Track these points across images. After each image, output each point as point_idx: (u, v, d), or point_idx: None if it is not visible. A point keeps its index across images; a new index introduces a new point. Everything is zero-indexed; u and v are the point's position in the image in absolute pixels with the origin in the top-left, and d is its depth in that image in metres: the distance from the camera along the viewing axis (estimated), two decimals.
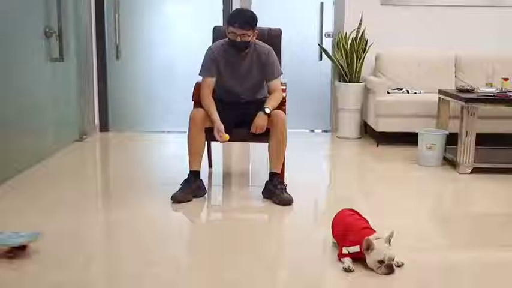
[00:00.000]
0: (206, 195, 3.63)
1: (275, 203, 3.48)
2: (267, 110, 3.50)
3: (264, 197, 3.59)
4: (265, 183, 3.60)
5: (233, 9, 5.70)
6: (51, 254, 2.66)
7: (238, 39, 3.46)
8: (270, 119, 3.51)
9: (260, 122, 3.50)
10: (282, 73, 3.70)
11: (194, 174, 3.57)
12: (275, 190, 3.51)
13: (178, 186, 3.52)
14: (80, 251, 2.72)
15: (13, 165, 3.98)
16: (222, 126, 3.47)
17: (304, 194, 3.79)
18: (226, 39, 3.58)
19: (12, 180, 3.88)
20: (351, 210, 2.83)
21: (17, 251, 2.55)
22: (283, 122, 3.52)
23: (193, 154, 3.56)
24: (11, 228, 3.02)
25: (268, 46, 3.66)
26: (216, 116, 3.50)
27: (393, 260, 2.47)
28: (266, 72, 3.62)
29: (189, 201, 3.48)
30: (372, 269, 2.48)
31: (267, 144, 3.57)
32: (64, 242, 2.83)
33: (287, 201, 3.47)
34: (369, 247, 2.46)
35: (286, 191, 3.54)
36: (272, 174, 3.57)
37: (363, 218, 2.76)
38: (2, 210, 3.33)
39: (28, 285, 2.35)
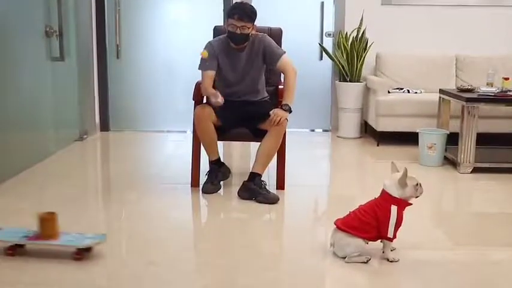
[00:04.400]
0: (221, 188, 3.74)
1: (260, 202, 3.46)
2: (289, 104, 3.49)
3: (241, 198, 3.55)
4: (244, 184, 3.56)
5: None
6: (50, 254, 2.65)
7: (238, 31, 3.46)
8: (271, 123, 3.49)
9: (281, 112, 3.46)
10: (284, 51, 3.64)
11: (216, 163, 3.69)
12: (260, 190, 3.50)
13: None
14: None
15: (13, 164, 3.98)
16: (217, 92, 3.49)
17: (304, 193, 3.79)
18: (225, 34, 3.59)
19: (12, 179, 3.88)
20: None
21: (84, 253, 2.56)
22: (284, 129, 3.52)
23: (209, 145, 3.63)
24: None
25: (260, 33, 3.64)
26: (212, 90, 3.52)
27: None
28: (269, 57, 3.60)
29: (219, 190, 3.71)
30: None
31: (259, 144, 3.57)
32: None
33: (274, 200, 3.48)
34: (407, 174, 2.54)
35: (269, 190, 3.54)
36: (254, 174, 3.55)
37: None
38: (2, 209, 3.33)
39: (29, 285, 2.35)
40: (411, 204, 2.61)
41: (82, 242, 2.58)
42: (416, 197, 2.62)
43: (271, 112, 3.49)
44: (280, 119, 3.45)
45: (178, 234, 3.02)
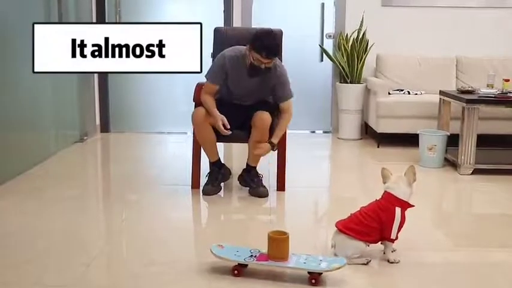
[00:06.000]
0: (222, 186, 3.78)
1: (252, 195, 3.66)
2: (274, 142, 3.51)
3: (241, 184, 3.80)
4: (243, 173, 3.78)
5: (233, 10, 5.69)
6: (51, 254, 2.66)
7: (263, 66, 3.40)
8: (252, 120, 3.49)
9: (261, 151, 3.52)
10: (293, 95, 3.62)
11: (215, 165, 3.73)
12: (251, 183, 3.69)
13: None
14: (80, 251, 2.72)
15: (14, 165, 3.98)
16: (224, 118, 3.46)
17: (304, 195, 3.79)
18: (243, 50, 3.47)
19: (13, 180, 3.88)
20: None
21: (318, 277, 2.38)
22: (266, 124, 3.49)
23: (208, 147, 3.65)
24: (12, 229, 3.03)
25: (279, 62, 3.56)
26: (216, 111, 3.50)
27: None
28: (277, 93, 3.57)
29: (219, 191, 3.73)
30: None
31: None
32: (64, 242, 2.83)
33: (263, 195, 3.63)
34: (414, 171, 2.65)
35: (262, 184, 3.68)
36: (250, 166, 3.71)
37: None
38: (2, 210, 3.33)
39: (29, 286, 2.35)
40: (413, 206, 2.61)
41: (318, 267, 2.40)
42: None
43: (252, 148, 3.55)
44: (262, 151, 3.51)
45: (179, 235, 3.01)
